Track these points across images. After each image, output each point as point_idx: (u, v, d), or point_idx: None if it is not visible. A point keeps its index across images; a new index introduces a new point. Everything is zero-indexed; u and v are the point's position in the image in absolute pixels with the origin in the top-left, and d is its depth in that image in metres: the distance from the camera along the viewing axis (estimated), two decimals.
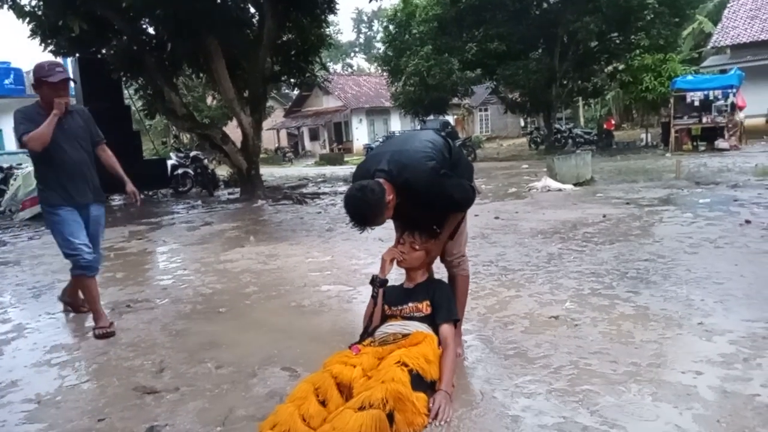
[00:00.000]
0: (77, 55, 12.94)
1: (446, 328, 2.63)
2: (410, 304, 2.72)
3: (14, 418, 2.58)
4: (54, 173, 3.59)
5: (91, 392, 2.81)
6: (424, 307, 2.70)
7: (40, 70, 3.50)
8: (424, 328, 2.62)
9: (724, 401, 2.28)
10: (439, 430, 2.20)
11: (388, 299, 2.82)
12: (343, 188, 10.16)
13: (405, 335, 2.58)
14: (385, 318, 2.77)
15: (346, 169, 19.65)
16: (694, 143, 16.27)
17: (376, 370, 2.34)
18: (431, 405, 2.28)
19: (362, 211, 2.49)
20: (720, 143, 15.70)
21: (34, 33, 11.67)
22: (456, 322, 2.77)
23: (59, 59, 17.37)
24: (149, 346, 3.41)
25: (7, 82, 20.90)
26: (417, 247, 2.74)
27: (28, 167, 11.52)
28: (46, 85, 3.48)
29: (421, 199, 2.59)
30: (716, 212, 6.46)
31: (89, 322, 4.00)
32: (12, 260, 6.71)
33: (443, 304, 2.70)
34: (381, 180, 2.52)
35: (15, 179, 11.04)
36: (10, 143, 22.23)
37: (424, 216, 2.75)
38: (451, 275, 2.99)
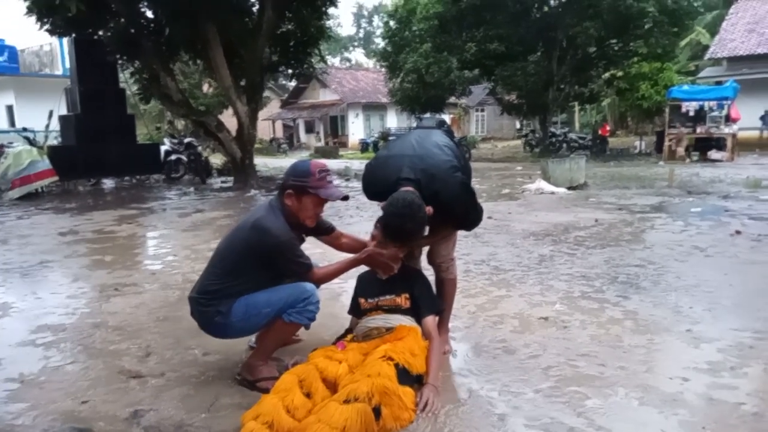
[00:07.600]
0: (73, 35, 12.81)
1: (429, 320, 2.63)
2: (387, 297, 2.68)
3: None
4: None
5: (76, 374, 2.78)
6: (403, 301, 2.65)
7: (306, 176, 2.51)
8: (407, 321, 2.60)
9: (709, 408, 2.29)
10: (426, 425, 2.19)
11: (363, 291, 2.79)
12: (337, 181, 10.11)
13: (389, 329, 2.56)
14: (363, 311, 2.75)
15: (341, 163, 19.58)
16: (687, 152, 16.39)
17: (362, 365, 2.32)
18: (419, 399, 2.27)
19: (410, 228, 2.42)
20: (713, 154, 15.81)
21: (30, 11, 11.50)
22: (438, 313, 2.76)
23: (55, 38, 17.32)
24: (136, 331, 3.38)
25: (0, 59, 20.65)
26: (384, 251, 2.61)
27: (19, 146, 11.40)
28: (311, 197, 2.54)
29: (437, 211, 2.50)
30: (707, 221, 6.51)
31: (76, 304, 3.97)
32: None
33: (425, 297, 2.68)
34: (411, 189, 2.44)
35: (5, 158, 10.88)
36: (2, 122, 22.00)
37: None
38: (438, 279, 2.93)
